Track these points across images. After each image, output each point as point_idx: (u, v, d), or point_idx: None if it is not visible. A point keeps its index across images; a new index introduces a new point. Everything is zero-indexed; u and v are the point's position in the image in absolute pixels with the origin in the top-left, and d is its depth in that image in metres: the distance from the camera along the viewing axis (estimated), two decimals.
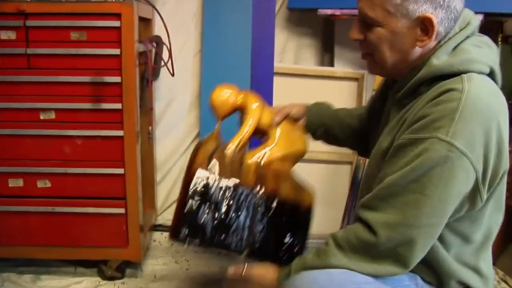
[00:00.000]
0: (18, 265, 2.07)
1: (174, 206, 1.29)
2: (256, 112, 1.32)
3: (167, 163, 2.50)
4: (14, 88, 1.82)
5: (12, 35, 1.78)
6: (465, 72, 1.01)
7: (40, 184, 1.91)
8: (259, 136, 1.38)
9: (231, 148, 1.27)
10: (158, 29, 2.29)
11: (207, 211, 1.18)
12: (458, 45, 1.05)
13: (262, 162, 1.28)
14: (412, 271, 1.06)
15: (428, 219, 0.99)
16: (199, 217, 1.18)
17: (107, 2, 1.79)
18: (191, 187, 1.19)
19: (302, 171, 1.41)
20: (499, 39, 2.22)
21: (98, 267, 2.04)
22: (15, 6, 1.74)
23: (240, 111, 1.37)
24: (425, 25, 1.02)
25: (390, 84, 1.22)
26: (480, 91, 0.99)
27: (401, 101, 1.12)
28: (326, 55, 2.49)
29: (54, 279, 2.01)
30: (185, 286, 2.01)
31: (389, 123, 1.15)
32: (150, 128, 2.14)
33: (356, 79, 2.34)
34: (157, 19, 2.27)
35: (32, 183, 1.90)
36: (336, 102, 1.54)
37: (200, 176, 1.19)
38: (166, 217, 2.50)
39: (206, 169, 1.21)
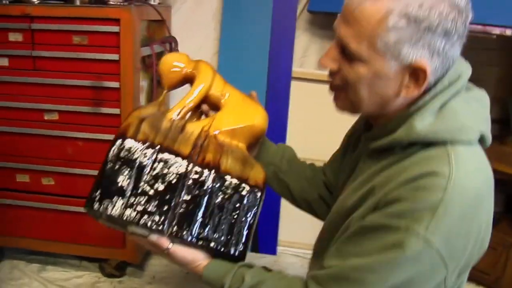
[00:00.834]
0: (28, 253, 2.17)
1: None
2: (205, 79, 1.15)
3: None
4: (21, 88, 1.87)
5: (19, 37, 1.82)
6: (451, 142, 0.86)
7: (45, 181, 1.97)
8: (210, 108, 1.19)
9: (171, 113, 1.11)
10: (177, 30, 2.26)
11: (125, 178, 1.02)
12: (446, 103, 0.89)
13: (206, 133, 1.11)
14: None
15: None
16: (115, 184, 1.01)
17: (107, 7, 1.78)
18: (111, 151, 1.04)
19: None
20: None
21: (99, 263, 2.09)
22: (20, 9, 1.77)
23: (190, 83, 1.19)
24: (416, 73, 0.86)
25: (366, 124, 1.07)
26: (469, 181, 0.84)
27: (373, 154, 0.98)
28: None
29: (58, 271, 2.09)
30: None
31: (358, 175, 1.01)
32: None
33: None
34: (174, 19, 2.25)
35: (38, 180, 1.97)
36: None
37: (122, 137, 1.05)
38: None
39: (134, 131, 1.06)
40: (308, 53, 2.28)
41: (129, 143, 1.04)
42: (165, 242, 1.02)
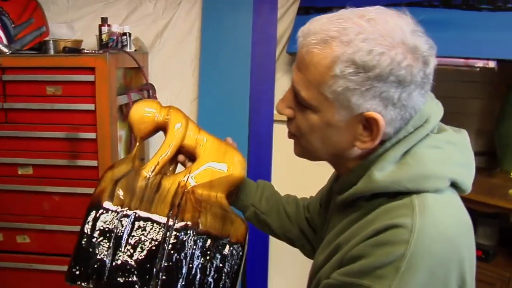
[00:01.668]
0: None
1: None
2: (177, 131, 1.10)
3: None
4: None
5: None
6: (416, 192, 0.77)
7: (20, 239, 1.87)
8: (186, 156, 1.14)
9: (146, 170, 1.06)
10: (154, 76, 2.22)
11: (103, 250, 0.98)
12: (410, 149, 0.80)
13: (183, 189, 1.06)
14: None
15: None
16: (94, 257, 0.97)
17: (81, 55, 1.74)
18: (86, 220, 0.99)
19: None
20: None
21: None
22: None
23: (163, 130, 1.14)
24: (369, 124, 0.78)
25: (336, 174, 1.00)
26: (437, 231, 0.74)
27: (341, 207, 0.91)
28: None
29: None
30: None
31: (330, 230, 0.94)
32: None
33: None
34: (152, 66, 2.21)
35: (12, 238, 1.87)
36: None
37: (97, 206, 1.00)
38: None
39: (108, 196, 1.01)
40: None
41: (104, 212, 1.00)
42: None
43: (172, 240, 1.00)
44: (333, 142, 0.83)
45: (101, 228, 0.99)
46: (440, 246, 0.73)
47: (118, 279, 0.97)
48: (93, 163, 1.77)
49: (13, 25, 1.82)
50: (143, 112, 1.11)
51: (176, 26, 2.23)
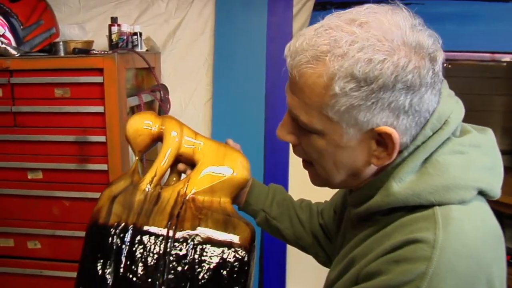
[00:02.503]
0: None
1: None
2: (172, 140, 1.07)
3: None
4: (1, 147, 1.77)
5: None
6: (439, 204, 0.69)
7: (31, 245, 1.83)
8: (186, 163, 1.10)
9: (144, 184, 1.04)
10: (167, 77, 2.17)
11: (104, 266, 0.96)
12: (430, 156, 0.72)
13: (183, 198, 1.03)
14: None
15: None
16: (96, 275, 0.95)
17: (89, 56, 1.69)
18: (86, 240, 0.99)
19: None
20: None
21: None
22: None
23: (161, 140, 1.11)
24: (383, 139, 0.71)
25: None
26: (462, 246, 0.66)
27: (356, 221, 0.84)
28: None
29: None
30: None
31: (345, 244, 0.87)
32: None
33: None
34: (164, 66, 2.16)
35: (23, 244, 1.83)
36: None
37: (95, 225, 0.98)
38: None
39: (105, 214, 0.99)
40: None
41: (102, 230, 0.97)
42: None
43: (173, 251, 0.97)
44: (347, 164, 0.75)
45: (101, 246, 0.96)
46: (466, 264, 0.65)
47: None
48: (103, 167, 1.72)
49: (22, 27, 1.78)
50: (138, 125, 1.08)
51: (189, 26, 2.17)
